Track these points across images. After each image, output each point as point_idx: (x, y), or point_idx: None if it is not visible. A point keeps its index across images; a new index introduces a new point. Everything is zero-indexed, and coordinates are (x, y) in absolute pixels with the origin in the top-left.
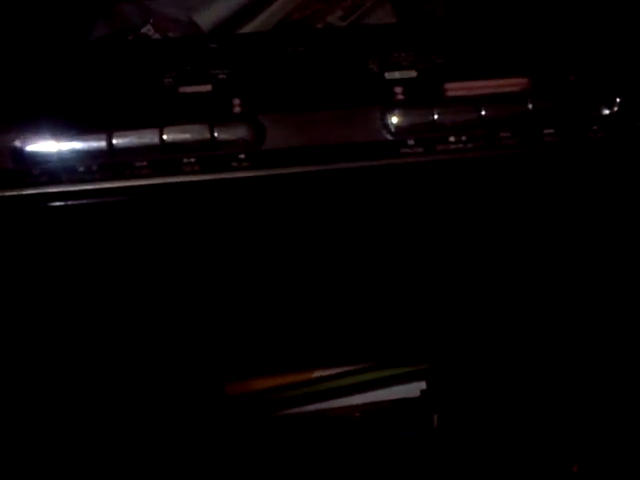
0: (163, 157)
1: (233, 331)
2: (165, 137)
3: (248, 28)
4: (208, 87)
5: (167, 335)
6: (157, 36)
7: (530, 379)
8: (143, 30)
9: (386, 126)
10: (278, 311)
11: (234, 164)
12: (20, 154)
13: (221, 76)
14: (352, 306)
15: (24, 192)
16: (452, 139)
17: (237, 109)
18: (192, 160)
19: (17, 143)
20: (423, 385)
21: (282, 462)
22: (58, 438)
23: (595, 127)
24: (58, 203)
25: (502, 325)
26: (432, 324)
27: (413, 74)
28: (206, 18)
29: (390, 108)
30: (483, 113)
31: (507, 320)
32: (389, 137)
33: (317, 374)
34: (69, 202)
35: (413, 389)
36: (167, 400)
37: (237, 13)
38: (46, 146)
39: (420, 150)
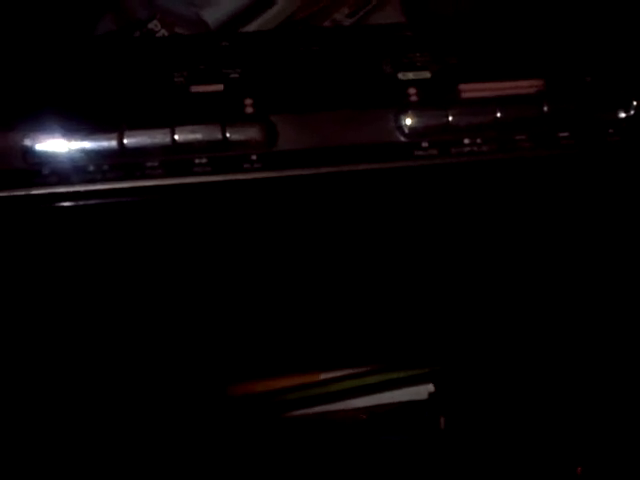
0: (174, 157)
1: (240, 332)
2: (177, 137)
3: (255, 25)
4: (220, 87)
5: (174, 336)
6: (164, 31)
7: (535, 381)
8: (150, 25)
9: (400, 128)
10: (285, 313)
11: (246, 165)
12: (30, 153)
13: (233, 75)
14: (360, 308)
15: (33, 192)
16: (466, 141)
17: (249, 109)
18: (203, 161)
19: (27, 142)
20: (431, 388)
21: (287, 465)
22: (60, 443)
23: (611, 130)
24: (68, 203)
25: (510, 328)
26: (441, 326)
27: (427, 75)
28: (213, 14)
29: (404, 109)
30: (498, 115)
31: (515, 323)
32: (402, 139)
33: (324, 376)
34: (79, 202)
35: (421, 392)
36: (170, 402)
37: (244, 10)
38: (56, 145)
39: (434, 152)
